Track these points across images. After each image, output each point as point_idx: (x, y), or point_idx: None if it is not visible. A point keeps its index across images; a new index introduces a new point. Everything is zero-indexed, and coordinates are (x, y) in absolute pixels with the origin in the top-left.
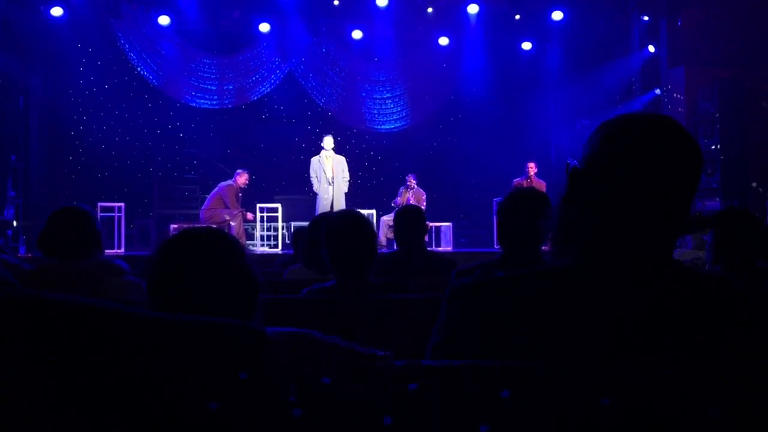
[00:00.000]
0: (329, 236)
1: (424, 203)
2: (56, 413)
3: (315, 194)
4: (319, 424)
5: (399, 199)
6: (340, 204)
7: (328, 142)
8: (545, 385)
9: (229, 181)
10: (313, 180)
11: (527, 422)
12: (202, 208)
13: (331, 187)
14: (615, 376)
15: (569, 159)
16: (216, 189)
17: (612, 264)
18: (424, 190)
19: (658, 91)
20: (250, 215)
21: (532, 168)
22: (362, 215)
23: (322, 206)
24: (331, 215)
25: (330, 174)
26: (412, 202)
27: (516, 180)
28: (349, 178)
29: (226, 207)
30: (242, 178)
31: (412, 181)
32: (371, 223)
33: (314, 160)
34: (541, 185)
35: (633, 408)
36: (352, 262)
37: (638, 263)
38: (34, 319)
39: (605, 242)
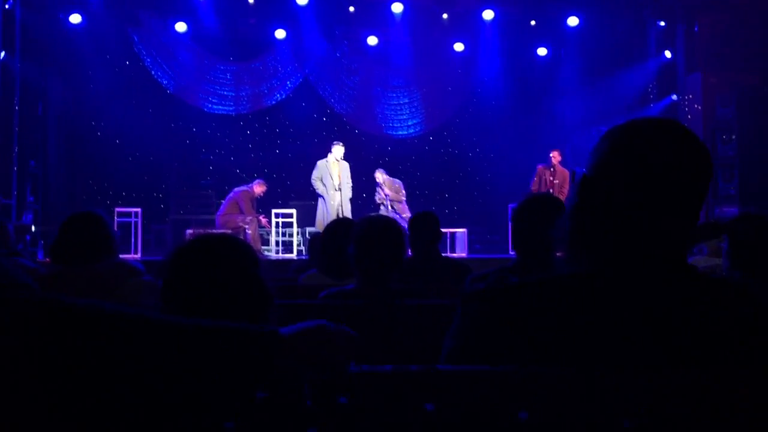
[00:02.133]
0: (359, 240)
1: (404, 193)
2: (72, 416)
3: (321, 196)
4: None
5: (378, 197)
6: (347, 210)
7: (339, 151)
8: (560, 391)
9: (245, 187)
10: (317, 182)
11: (541, 427)
12: (218, 213)
13: (338, 194)
14: (632, 382)
15: (576, 168)
16: (231, 194)
17: (625, 269)
18: (400, 180)
19: (674, 97)
20: (264, 220)
21: (555, 157)
22: (394, 221)
23: (330, 212)
24: (363, 219)
25: (337, 180)
26: (390, 195)
27: (540, 166)
28: (351, 184)
29: (241, 212)
30: (259, 188)
31: (380, 176)
32: (401, 231)
33: (321, 163)
34: (564, 173)
35: (649, 412)
36: (378, 268)
37: (651, 268)
38: (51, 322)
39: (617, 248)
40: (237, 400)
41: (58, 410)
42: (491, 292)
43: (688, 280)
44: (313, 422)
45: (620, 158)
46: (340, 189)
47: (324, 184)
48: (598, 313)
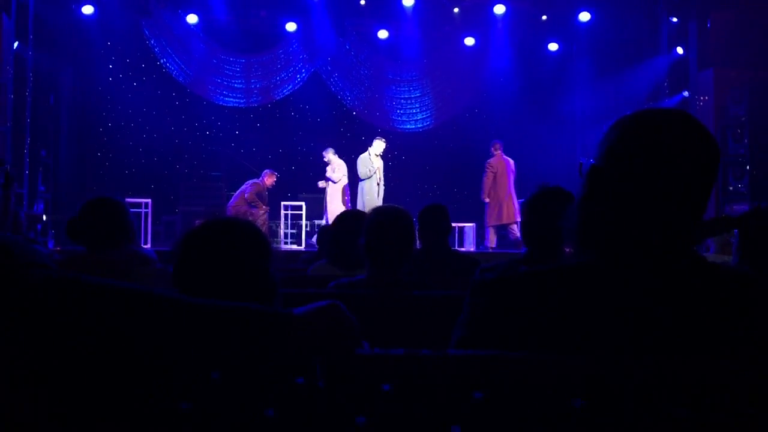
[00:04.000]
0: (370, 230)
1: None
2: (92, 391)
3: (362, 180)
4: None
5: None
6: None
7: (380, 146)
8: (566, 377)
9: (256, 180)
10: (364, 169)
11: (546, 412)
12: (229, 204)
13: (378, 188)
14: (640, 370)
15: (582, 159)
16: (243, 186)
17: (634, 259)
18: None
19: (686, 94)
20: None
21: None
22: (406, 212)
23: (367, 201)
24: (374, 210)
25: (379, 175)
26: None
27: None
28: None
29: (249, 205)
30: (270, 179)
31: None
32: (412, 222)
33: (364, 157)
34: (492, 161)
35: (655, 400)
36: (388, 258)
37: (658, 256)
38: (71, 299)
39: (625, 237)
40: (252, 380)
41: (75, 386)
42: (500, 282)
43: (696, 269)
44: (325, 402)
45: (628, 148)
46: (378, 184)
47: (370, 173)
48: (606, 301)
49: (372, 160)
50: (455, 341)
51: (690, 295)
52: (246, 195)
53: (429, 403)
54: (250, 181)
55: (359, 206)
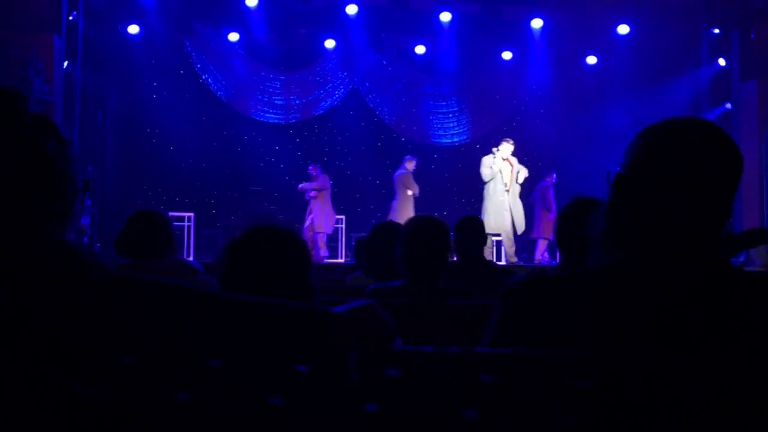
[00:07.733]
0: (407, 239)
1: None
2: (147, 385)
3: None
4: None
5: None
6: (519, 213)
7: (507, 149)
8: (594, 374)
9: (406, 172)
10: (485, 170)
11: (572, 407)
12: (393, 205)
13: (507, 195)
14: (667, 367)
15: (610, 166)
16: (398, 185)
17: (659, 262)
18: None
19: (729, 106)
20: None
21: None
22: (442, 222)
23: (495, 205)
24: (411, 220)
25: (507, 179)
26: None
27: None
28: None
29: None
30: (411, 164)
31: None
32: (449, 231)
33: (489, 157)
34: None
35: (682, 399)
36: (426, 266)
37: (682, 261)
38: (130, 295)
39: (649, 242)
40: (290, 374)
41: (134, 376)
42: (529, 283)
43: (721, 273)
44: (359, 396)
45: (652, 156)
46: (508, 190)
47: (493, 173)
48: (632, 303)
49: (495, 160)
50: (486, 341)
51: (714, 298)
52: (413, 193)
53: (455, 397)
54: (402, 175)
55: (484, 210)
